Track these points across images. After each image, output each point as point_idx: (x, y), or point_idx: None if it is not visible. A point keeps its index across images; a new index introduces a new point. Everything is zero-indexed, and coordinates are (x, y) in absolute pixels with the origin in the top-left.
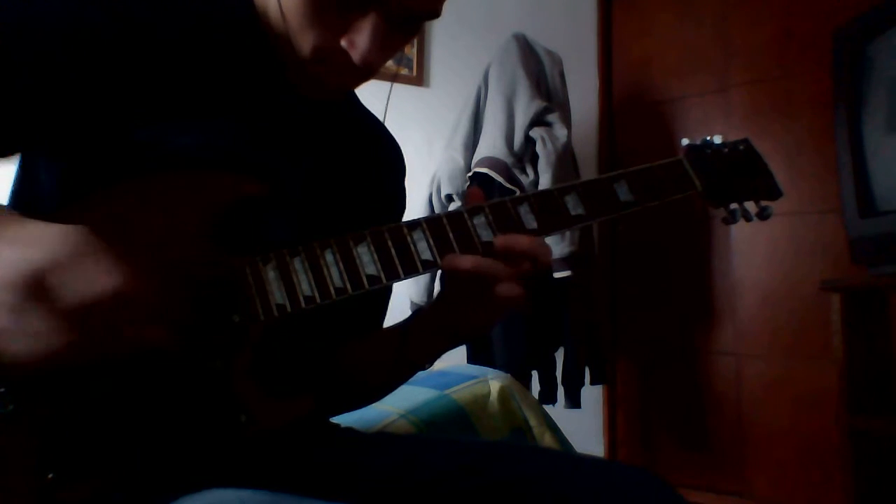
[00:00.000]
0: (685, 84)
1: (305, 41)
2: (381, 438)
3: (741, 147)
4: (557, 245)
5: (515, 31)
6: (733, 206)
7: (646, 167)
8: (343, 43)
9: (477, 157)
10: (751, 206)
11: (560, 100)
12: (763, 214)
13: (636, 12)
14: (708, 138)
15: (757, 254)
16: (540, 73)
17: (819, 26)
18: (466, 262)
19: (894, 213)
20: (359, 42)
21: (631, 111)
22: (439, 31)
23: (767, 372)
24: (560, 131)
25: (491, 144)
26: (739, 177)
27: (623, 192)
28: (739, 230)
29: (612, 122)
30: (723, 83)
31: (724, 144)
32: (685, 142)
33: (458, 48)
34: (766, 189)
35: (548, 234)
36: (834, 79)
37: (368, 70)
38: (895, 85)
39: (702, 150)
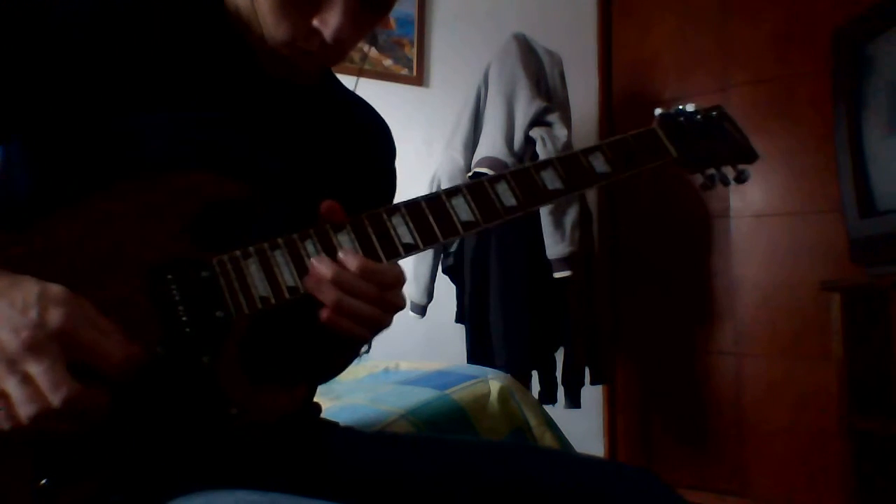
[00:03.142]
0: (685, 84)
1: (279, 26)
2: (380, 438)
3: (714, 113)
4: (558, 245)
5: (515, 31)
6: (710, 171)
7: (619, 137)
8: (315, 23)
9: (477, 156)
10: (728, 170)
11: (560, 100)
12: (741, 178)
13: (636, 12)
14: (681, 106)
15: (757, 253)
16: (540, 73)
17: (819, 26)
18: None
19: (894, 213)
20: (330, 20)
21: (631, 111)
22: (439, 32)
23: (767, 372)
24: (560, 131)
25: (491, 144)
26: (714, 142)
27: (599, 164)
28: (739, 230)
29: (612, 122)
30: (723, 83)
31: (696, 111)
32: (658, 111)
33: (458, 48)
34: (742, 152)
35: (527, 210)
36: (834, 79)
37: (340, 48)
38: (895, 85)
39: (675, 118)
